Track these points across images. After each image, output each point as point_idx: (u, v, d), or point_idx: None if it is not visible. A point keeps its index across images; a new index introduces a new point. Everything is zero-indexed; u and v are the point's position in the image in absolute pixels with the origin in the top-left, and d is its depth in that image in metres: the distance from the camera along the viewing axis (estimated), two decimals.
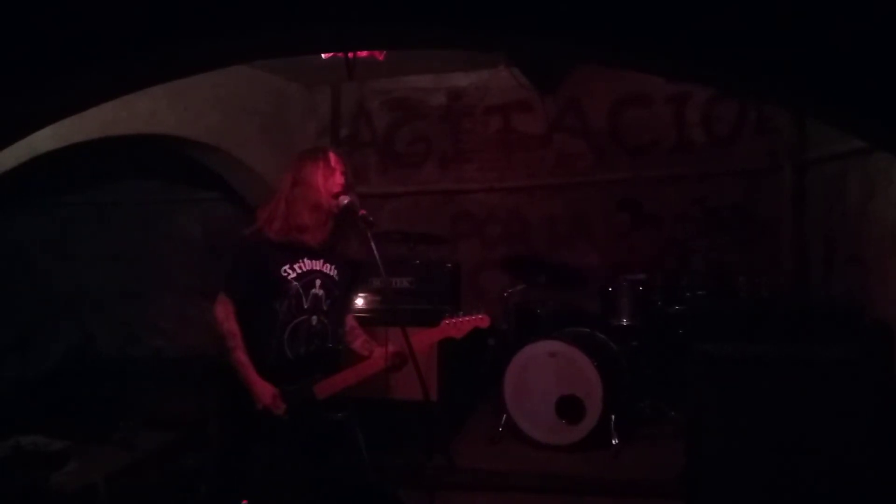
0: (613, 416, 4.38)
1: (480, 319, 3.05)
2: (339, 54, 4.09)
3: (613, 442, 4.34)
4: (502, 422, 4.62)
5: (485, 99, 6.54)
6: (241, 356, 2.70)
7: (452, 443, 4.51)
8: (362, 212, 2.92)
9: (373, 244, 2.86)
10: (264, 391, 2.69)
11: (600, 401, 4.33)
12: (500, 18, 2.11)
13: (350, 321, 3.07)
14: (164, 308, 7.11)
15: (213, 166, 6.23)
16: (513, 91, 6.35)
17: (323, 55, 4.26)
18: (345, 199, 2.91)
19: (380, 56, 4.68)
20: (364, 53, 4.23)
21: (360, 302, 5.10)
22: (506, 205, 6.50)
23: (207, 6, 2.04)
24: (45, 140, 4.42)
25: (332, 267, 2.91)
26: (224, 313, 2.74)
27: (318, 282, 2.85)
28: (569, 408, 4.42)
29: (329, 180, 2.87)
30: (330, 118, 6.89)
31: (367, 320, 5.00)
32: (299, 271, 2.81)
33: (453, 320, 3.02)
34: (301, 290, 2.79)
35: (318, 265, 2.86)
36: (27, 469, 4.02)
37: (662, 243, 5.57)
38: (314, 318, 2.83)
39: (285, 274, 2.78)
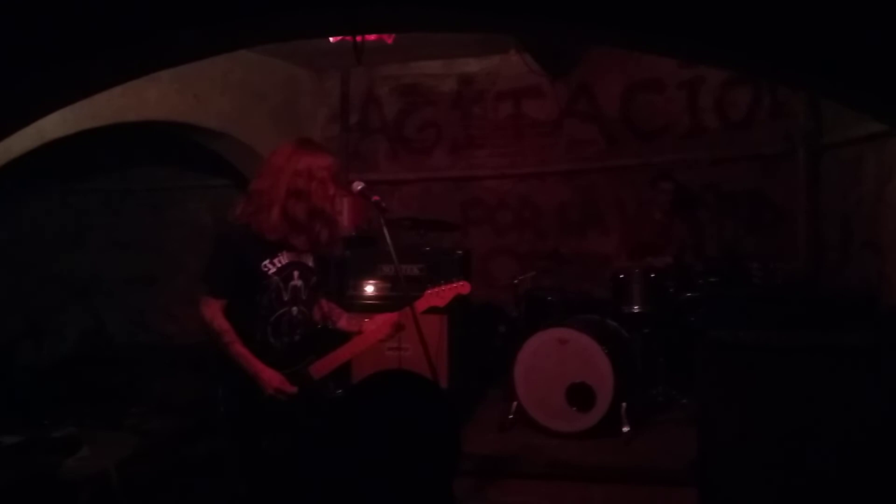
0: (624, 404, 4.36)
1: (461, 286, 3.02)
2: (347, 38, 4.04)
3: (624, 429, 4.32)
4: (512, 409, 4.60)
5: (495, 85, 6.49)
6: (240, 348, 2.66)
7: (462, 430, 4.51)
8: (375, 198, 2.89)
9: (385, 231, 2.84)
10: (272, 377, 2.67)
11: (611, 388, 4.31)
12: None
13: (325, 303, 3.02)
14: (176, 294, 7.12)
15: (222, 153, 6.22)
16: (523, 76, 6.29)
17: (331, 39, 4.22)
18: (358, 186, 2.88)
19: (388, 40, 4.64)
20: (372, 37, 4.19)
21: (370, 289, 5.09)
22: (517, 191, 6.46)
23: None
24: (54, 126, 4.42)
25: (308, 255, 2.85)
26: (210, 313, 2.69)
27: (296, 273, 2.80)
28: (579, 395, 4.40)
29: (327, 186, 2.78)
30: (340, 104, 6.86)
31: (378, 307, 5.00)
32: (279, 265, 2.75)
33: (435, 289, 3.00)
34: (281, 284, 2.76)
35: (294, 256, 2.80)
36: (40, 455, 4.05)
37: (675, 229, 5.52)
38: (294, 308, 2.80)
39: (266, 269, 2.73)
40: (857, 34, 2.02)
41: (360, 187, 2.90)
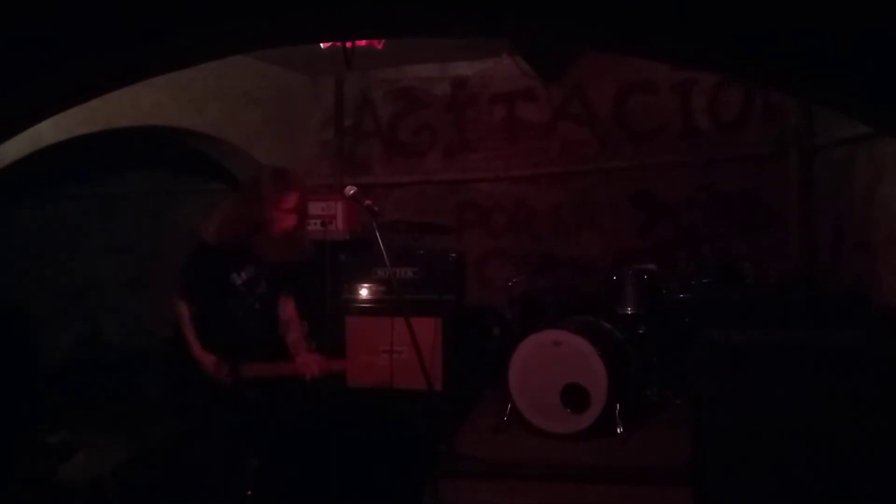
0: (618, 405, 4.37)
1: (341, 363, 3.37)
2: (338, 43, 4.07)
3: (619, 430, 4.33)
4: (507, 411, 4.61)
5: (489, 88, 6.51)
6: (188, 334, 3.04)
7: (457, 432, 4.52)
8: (367, 202, 2.94)
9: (378, 234, 2.88)
10: (207, 360, 2.99)
11: (605, 389, 4.32)
12: (506, 4, 2.09)
13: (287, 313, 3.26)
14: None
15: (217, 157, 6.23)
16: (517, 79, 6.31)
17: (322, 44, 4.23)
18: (350, 190, 2.96)
19: (378, 45, 4.66)
20: (363, 42, 4.20)
21: (364, 292, 5.11)
22: (511, 194, 6.48)
23: None
24: (48, 132, 4.43)
25: (274, 266, 3.14)
26: (177, 304, 3.14)
27: (263, 282, 3.13)
28: (574, 396, 4.41)
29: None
30: (334, 108, 6.87)
31: (372, 310, 5.02)
32: (245, 277, 3.09)
33: (310, 356, 3.18)
34: (247, 291, 3.10)
35: (260, 267, 3.13)
36: (34, 461, 4.05)
37: (668, 231, 5.54)
38: (257, 313, 3.15)
39: (233, 279, 3.07)
40: (845, 38, 2.04)
41: (352, 191, 2.95)
